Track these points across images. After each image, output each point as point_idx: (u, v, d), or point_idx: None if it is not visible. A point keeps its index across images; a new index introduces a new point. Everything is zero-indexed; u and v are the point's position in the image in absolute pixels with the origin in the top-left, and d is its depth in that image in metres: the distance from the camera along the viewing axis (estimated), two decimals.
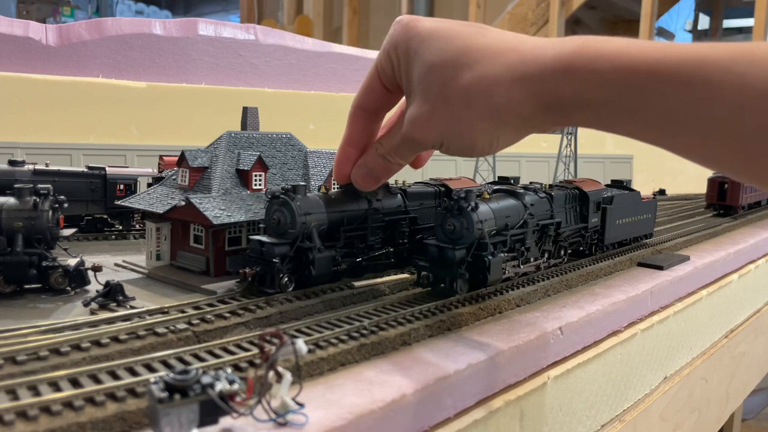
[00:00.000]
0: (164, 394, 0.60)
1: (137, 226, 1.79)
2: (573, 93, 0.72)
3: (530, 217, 1.30)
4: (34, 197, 1.16)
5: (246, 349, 0.87)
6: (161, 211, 1.30)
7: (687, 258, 1.71)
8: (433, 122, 0.81)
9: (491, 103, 0.76)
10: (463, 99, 0.77)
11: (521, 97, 0.75)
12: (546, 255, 1.39)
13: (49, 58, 2.25)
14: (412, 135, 0.84)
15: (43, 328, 0.89)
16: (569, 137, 2.34)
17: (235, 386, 0.64)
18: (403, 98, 0.92)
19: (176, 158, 1.39)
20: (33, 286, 1.16)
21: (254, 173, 1.36)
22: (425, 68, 0.80)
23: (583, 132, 2.37)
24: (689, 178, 3.66)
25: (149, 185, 1.73)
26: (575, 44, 0.73)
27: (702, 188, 2.71)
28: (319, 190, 1.25)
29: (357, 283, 1.19)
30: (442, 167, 3.18)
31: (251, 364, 0.82)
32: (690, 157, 0.72)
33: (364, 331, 0.95)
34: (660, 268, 1.59)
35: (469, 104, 0.77)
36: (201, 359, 0.84)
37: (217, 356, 0.85)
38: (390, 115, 0.97)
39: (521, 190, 1.35)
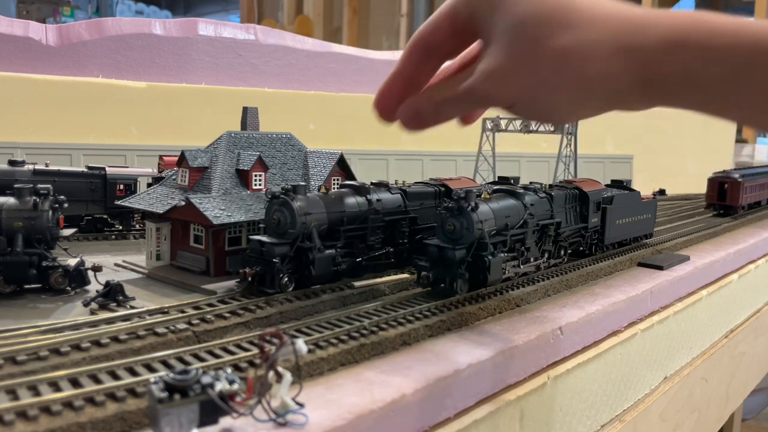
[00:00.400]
0: (164, 394, 0.60)
1: (137, 226, 1.79)
2: (683, 69, 0.66)
3: (530, 217, 1.30)
4: (34, 197, 1.16)
5: (246, 349, 0.87)
6: (161, 211, 1.30)
7: (687, 258, 1.71)
8: (513, 79, 0.73)
9: (585, 71, 0.70)
10: (554, 62, 0.70)
11: (621, 68, 0.69)
12: (546, 255, 1.39)
13: (49, 58, 2.25)
14: (483, 88, 0.75)
15: (43, 328, 0.90)
16: (569, 137, 2.34)
17: (235, 386, 0.64)
18: (469, 48, 0.83)
19: (176, 158, 1.39)
20: (33, 286, 1.16)
21: (254, 173, 1.36)
22: (515, 20, 0.72)
23: (582, 132, 2.37)
24: (689, 178, 3.66)
25: (149, 185, 1.73)
26: (690, 17, 0.67)
27: (702, 188, 2.71)
28: (319, 190, 1.25)
29: (357, 283, 1.19)
30: (442, 167, 3.18)
31: (251, 364, 0.82)
32: None
33: (364, 331, 0.95)
34: (660, 268, 1.59)
35: (559, 69, 0.70)
36: (201, 359, 0.84)
37: (217, 356, 0.85)
38: (447, 65, 0.87)
39: (521, 190, 1.35)
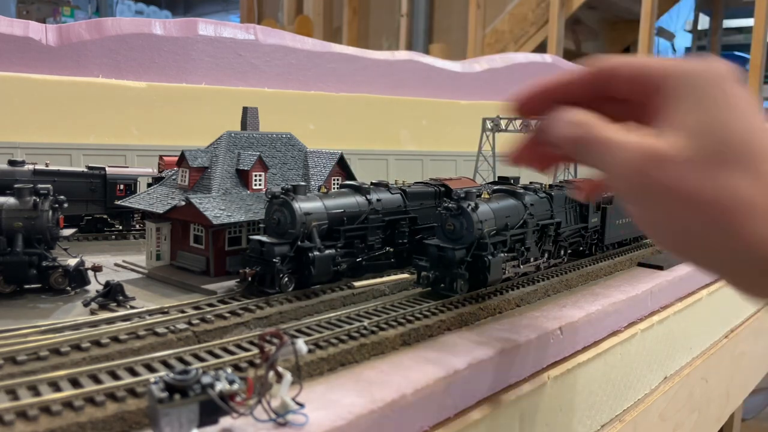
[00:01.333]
0: (164, 394, 0.60)
1: (137, 226, 1.80)
2: None
3: (530, 217, 1.30)
4: (34, 197, 1.16)
5: (246, 349, 0.87)
6: (161, 211, 1.30)
7: None
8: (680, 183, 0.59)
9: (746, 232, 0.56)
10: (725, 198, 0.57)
11: None
12: (546, 255, 1.39)
13: (49, 58, 2.25)
14: (644, 165, 0.61)
15: (43, 328, 0.90)
16: None
17: (235, 386, 0.64)
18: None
19: (176, 158, 1.39)
20: (33, 286, 1.16)
21: (254, 173, 1.36)
22: (717, 128, 0.60)
23: None
24: None
25: (149, 185, 1.73)
26: None
27: None
28: (319, 190, 1.25)
29: (357, 283, 1.19)
30: (442, 167, 3.18)
31: (251, 364, 0.82)
32: None
33: (364, 331, 0.95)
34: (660, 268, 1.59)
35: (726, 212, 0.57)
36: (201, 359, 0.84)
37: (217, 356, 0.85)
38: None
39: (521, 190, 1.35)
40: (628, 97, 0.72)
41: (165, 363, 0.82)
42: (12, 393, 0.70)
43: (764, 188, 0.57)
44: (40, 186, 1.18)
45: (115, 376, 0.76)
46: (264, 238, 1.14)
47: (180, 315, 0.99)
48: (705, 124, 0.61)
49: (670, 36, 10.50)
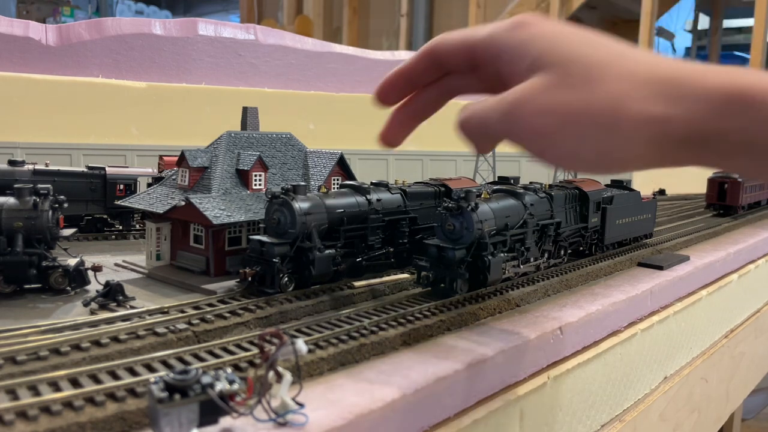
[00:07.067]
0: (164, 394, 0.60)
1: (137, 226, 1.80)
2: (743, 131, 0.63)
3: (530, 217, 1.30)
4: (34, 197, 1.16)
5: (246, 349, 0.87)
6: (161, 211, 1.30)
7: (687, 258, 1.71)
8: (562, 103, 0.70)
9: (632, 112, 0.67)
10: (605, 100, 0.68)
11: (673, 114, 0.66)
12: (546, 255, 1.39)
13: (49, 58, 2.25)
14: (522, 111, 0.73)
15: (43, 328, 0.89)
16: None
17: (235, 386, 0.64)
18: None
19: (176, 158, 1.39)
20: (33, 286, 1.16)
21: (254, 173, 1.36)
22: (564, 58, 0.72)
23: None
24: (689, 178, 3.65)
25: (149, 185, 1.73)
26: (752, 75, 0.64)
27: (702, 188, 2.70)
28: (319, 190, 1.25)
29: (357, 283, 1.19)
30: (442, 167, 3.18)
31: (251, 364, 0.82)
32: None
33: (364, 331, 0.96)
34: (660, 268, 1.59)
35: (610, 107, 0.68)
36: (201, 359, 0.84)
37: (217, 356, 0.85)
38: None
39: (521, 190, 1.35)
40: (470, 67, 0.83)
41: (165, 363, 0.82)
42: (12, 393, 0.70)
43: (613, 88, 0.69)
44: (40, 186, 1.18)
45: (115, 376, 0.76)
46: (264, 238, 1.14)
47: (180, 315, 0.99)
48: (547, 62, 0.72)
49: (670, 36, 10.50)
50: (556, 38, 0.74)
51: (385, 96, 0.90)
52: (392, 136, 0.96)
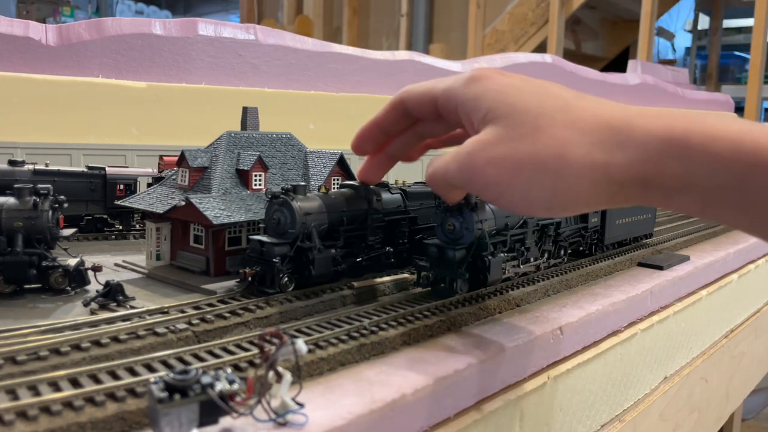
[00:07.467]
0: (164, 394, 0.60)
1: (137, 226, 1.79)
2: (682, 173, 0.67)
3: (530, 217, 1.30)
4: (34, 197, 1.16)
5: (246, 349, 0.87)
6: (161, 211, 1.30)
7: (687, 258, 1.71)
8: (511, 154, 0.75)
9: (585, 160, 0.71)
10: (551, 148, 0.73)
11: (620, 161, 0.70)
12: (546, 255, 1.39)
13: (49, 58, 2.25)
14: (479, 155, 0.78)
15: (43, 328, 0.90)
16: None
17: (235, 386, 0.64)
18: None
19: (176, 158, 1.39)
20: (33, 286, 1.16)
21: (254, 173, 1.36)
22: (518, 109, 0.77)
23: None
24: None
25: (149, 185, 1.73)
26: (689, 120, 0.67)
27: None
28: (319, 190, 1.25)
29: (357, 283, 1.19)
30: None
31: (251, 364, 0.82)
32: None
33: (364, 331, 0.96)
34: (660, 268, 1.59)
35: (556, 154, 0.73)
36: (201, 359, 0.84)
37: (217, 356, 0.85)
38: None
39: None
40: (435, 116, 0.91)
41: (165, 363, 0.82)
42: (12, 393, 0.70)
43: (582, 124, 0.73)
44: (40, 186, 1.18)
45: (115, 376, 0.76)
46: (264, 238, 1.14)
47: (180, 315, 0.99)
48: (498, 114, 0.78)
49: (670, 36, 10.51)
50: (507, 91, 0.79)
51: (362, 147, 1.00)
52: (372, 175, 1.09)
